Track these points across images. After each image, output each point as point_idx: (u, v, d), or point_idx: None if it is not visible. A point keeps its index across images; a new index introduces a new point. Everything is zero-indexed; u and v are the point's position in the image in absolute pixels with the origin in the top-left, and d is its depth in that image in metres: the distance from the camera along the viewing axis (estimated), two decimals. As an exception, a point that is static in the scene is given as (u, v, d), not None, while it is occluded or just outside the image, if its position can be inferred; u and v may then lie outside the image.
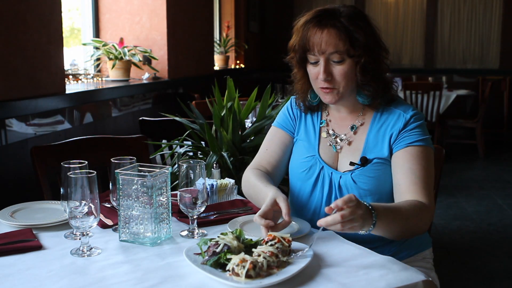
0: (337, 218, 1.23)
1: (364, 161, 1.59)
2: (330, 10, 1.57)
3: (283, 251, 1.24)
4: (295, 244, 1.31)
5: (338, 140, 1.67)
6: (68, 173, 1.31)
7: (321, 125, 1.72)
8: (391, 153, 1.59)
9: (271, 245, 1.25)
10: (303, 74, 1.66)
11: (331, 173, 1.64)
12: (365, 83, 1.57)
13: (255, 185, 1.63)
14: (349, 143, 1.65)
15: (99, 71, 4.26)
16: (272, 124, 1.83)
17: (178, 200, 1.47)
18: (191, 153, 2.60)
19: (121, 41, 3.98)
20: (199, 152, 2.58)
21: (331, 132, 1.69)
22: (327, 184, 1.64)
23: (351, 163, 1.60)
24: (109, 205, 1.66)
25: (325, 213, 1.57)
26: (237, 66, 7.19)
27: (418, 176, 1.52)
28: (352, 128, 1.66)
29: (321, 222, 1.25)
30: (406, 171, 1.53)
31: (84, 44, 4.08)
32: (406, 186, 1.52)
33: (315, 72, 1.58)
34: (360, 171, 1.59)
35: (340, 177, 1.62)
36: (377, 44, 1.58)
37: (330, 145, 1.68)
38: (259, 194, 1.58)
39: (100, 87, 3.46)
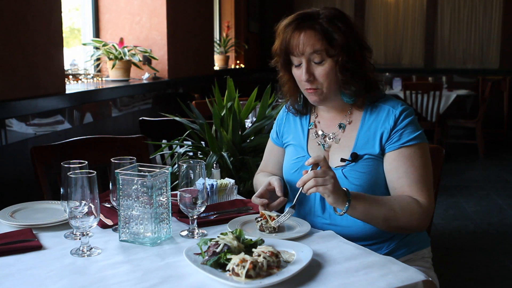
0: (310, 174, 1.41)
1: (355, 157, 1.61)
2: (309, 13, 1.60)
3: (266, 227, 1.47)
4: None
5: (327, 139, 1.70)
6: (68, 173, 1.31)
7: (309, 127, 1.76)
8: (382, 150, 1.60)
9: (258, 221, 1.49)
10: (289, 77, 1.69)
11: None
12: (345, 82, 1.59)
13: (261, 182, 1.75)
14: (338, 141, 1.68)
15: (99, 71, 4.26)
16: (270, 135, 1.90)
17: (178, 200, 1.47)
18: (191, 153, 2.60)
19: (121, 41, 3.98)
20: (199, 152, 2.58)
21: (320, 133, 1.72)
22: None
23: (342, 160, 1.62)
24: (109, 205, 1.66)
25: (320, 211, 1.65)
26: (237, 66, 7.19)
27: (413, 179, 1.55)
28: (340, 126, 1.68)
29: (298, 182, 1.43)
30: (401, 174, 1.56)
31: (84, 44, 4.08)
32: (402, 190, 1.56)
33: (299, 74, 1.62)
34: (351, 166, 1.61)
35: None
36: (358, 44, 1.60)
37: (319, 144, 1.71)
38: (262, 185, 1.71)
39: (100, 87, 3.46)
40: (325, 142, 1.70)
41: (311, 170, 1.44)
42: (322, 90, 1.61)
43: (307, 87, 1.62)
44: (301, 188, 1.44)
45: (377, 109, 1.64)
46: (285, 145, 1.81)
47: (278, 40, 1.63)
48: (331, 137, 1.69)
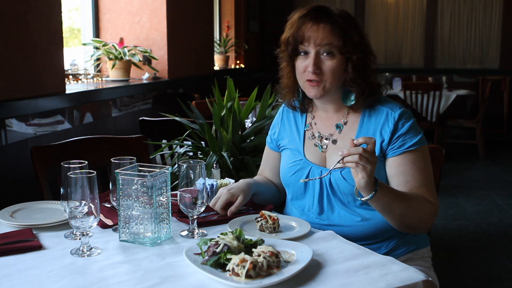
0: (359, 149, 1.36)
1: None
2: (325, 8, 1.62)
3: (266, 227, 1.46)
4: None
5: (324, 140, 1.69)
6: (68, 173, 1.31)
7: (305, 129, 1.75)
8: (382, 153, 1.60)
9: (258, 221, 1.48)
10: (291, 69, 1.68)
11: (321, 171, 1.65)
12: (353, 80, 1.60)
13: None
14: (335, 142, 1.67)
15: (99, 71, 4.26)
16: (266, 140, 1.90)
17: (178, 200, 1.47)
18: (191, 153, 2.60)
19: (121, 41, 3.98)
20: (199, 152, 2.58)
21: (316, 134, 1.71)
22: (317, 183, 1.65)
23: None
24: (109, 205, 1.66)
25: (318, 212, 1.65)
26: (237, 66, 7.19)
27: (421, 181, 1.57)
28: (337, 127, 1.68)
29: (344, 151, 1.38)
30: (409, 178, 1.57)
31: (84, 44, 4.08)
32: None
33: (304, 65, 1.61)
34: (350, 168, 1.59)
35: (330, 173, 1.62)
36: (367, 47, 1.63)
37: (316, 145, 1.70)
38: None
39: (100, 87, 3.46)
40: (321, 143, 1.69)
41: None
42: (325, 85, 1.60)
43: (309, 78, 1.60)
44: (340, 158, 1.39)
45: (375, 111, 1.64)
46: (281, 149, 1.81)
47: (291, 29, 1.62)
48: (328, 137, 1.68)
